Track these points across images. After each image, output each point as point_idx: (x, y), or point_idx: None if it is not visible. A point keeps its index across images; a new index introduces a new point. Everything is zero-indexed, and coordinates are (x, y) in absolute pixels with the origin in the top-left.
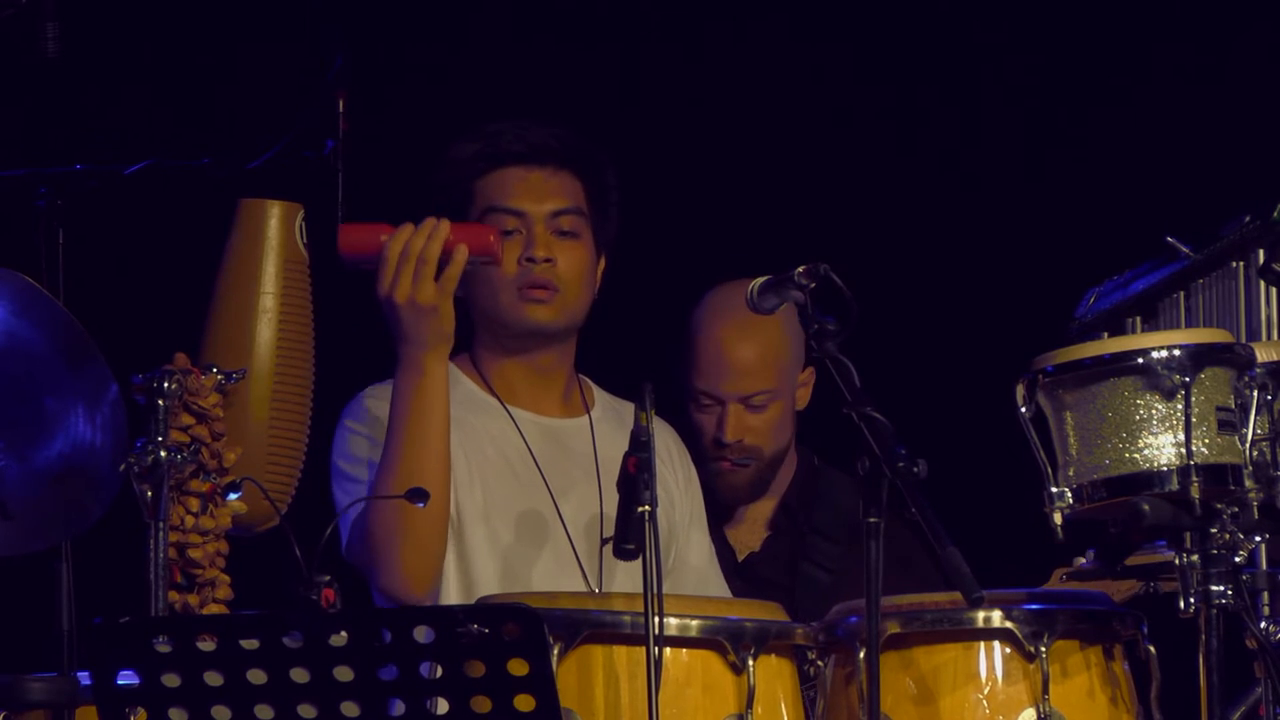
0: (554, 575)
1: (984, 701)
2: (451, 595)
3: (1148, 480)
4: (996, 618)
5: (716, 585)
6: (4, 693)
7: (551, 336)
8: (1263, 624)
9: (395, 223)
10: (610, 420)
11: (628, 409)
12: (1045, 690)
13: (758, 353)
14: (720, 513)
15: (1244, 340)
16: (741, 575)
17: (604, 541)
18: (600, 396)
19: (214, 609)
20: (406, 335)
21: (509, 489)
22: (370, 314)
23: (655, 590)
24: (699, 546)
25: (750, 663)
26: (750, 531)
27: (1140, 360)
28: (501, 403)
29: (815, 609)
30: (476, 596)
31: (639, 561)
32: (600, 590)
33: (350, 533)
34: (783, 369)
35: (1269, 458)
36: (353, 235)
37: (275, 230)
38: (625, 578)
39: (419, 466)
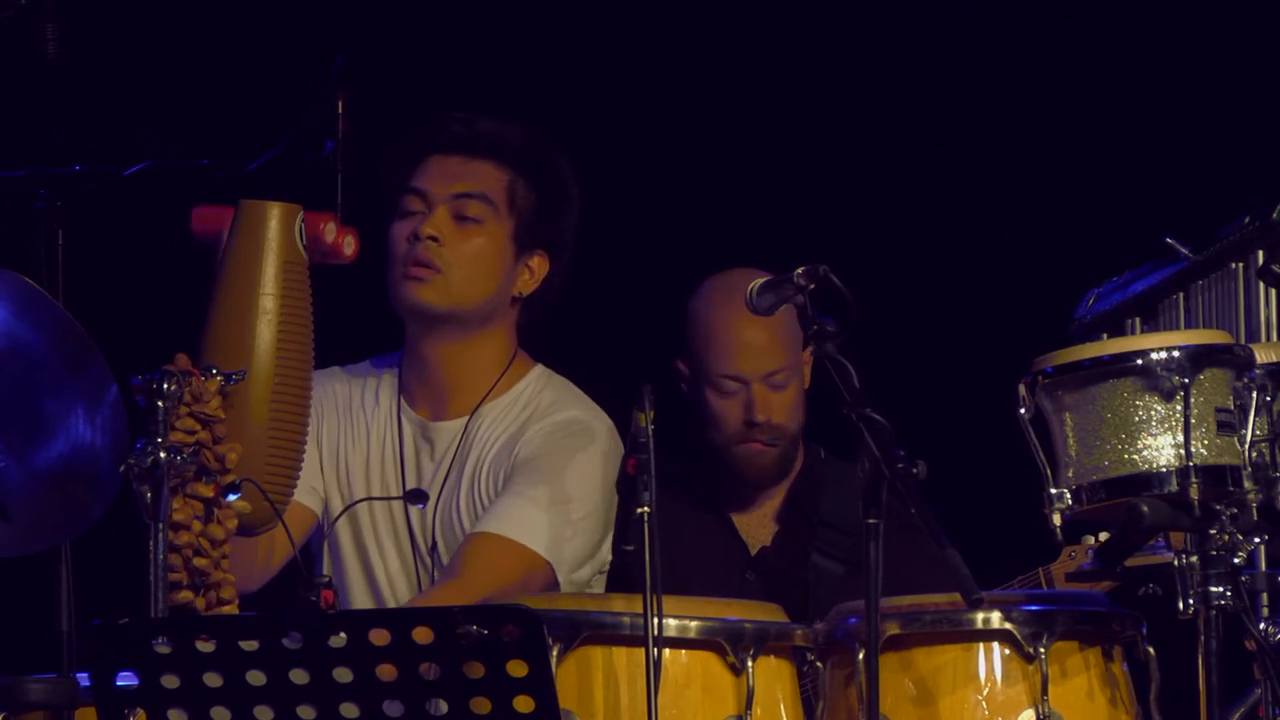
0: (403, 583)
1: (983, 703)
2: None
3: (1147, 481)
4: (996, 619)
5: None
6: (4, 694)
7: (437, 320)
8: (1262, 625)
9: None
10: (505, 416)
11: (557, 398)
12: (1044, 691)
13: (771, 330)
14: (742, 500)
15: (1243, 341)
16: (755, 568)
17: (430, 548)
18: (525, 386)
19: (230, 610)
20: None
21: (373, 492)
22: (369, 314)
23: (655, 591)
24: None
25: (749, 664)
26: (760, 525)
27: (1140, 361)
28: (400, 402)
29: (831, 600)
30: (347, 597)
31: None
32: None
33: None
34: (794, 345)
35: (1268, 459)
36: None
37: (275, 231)
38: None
39: None
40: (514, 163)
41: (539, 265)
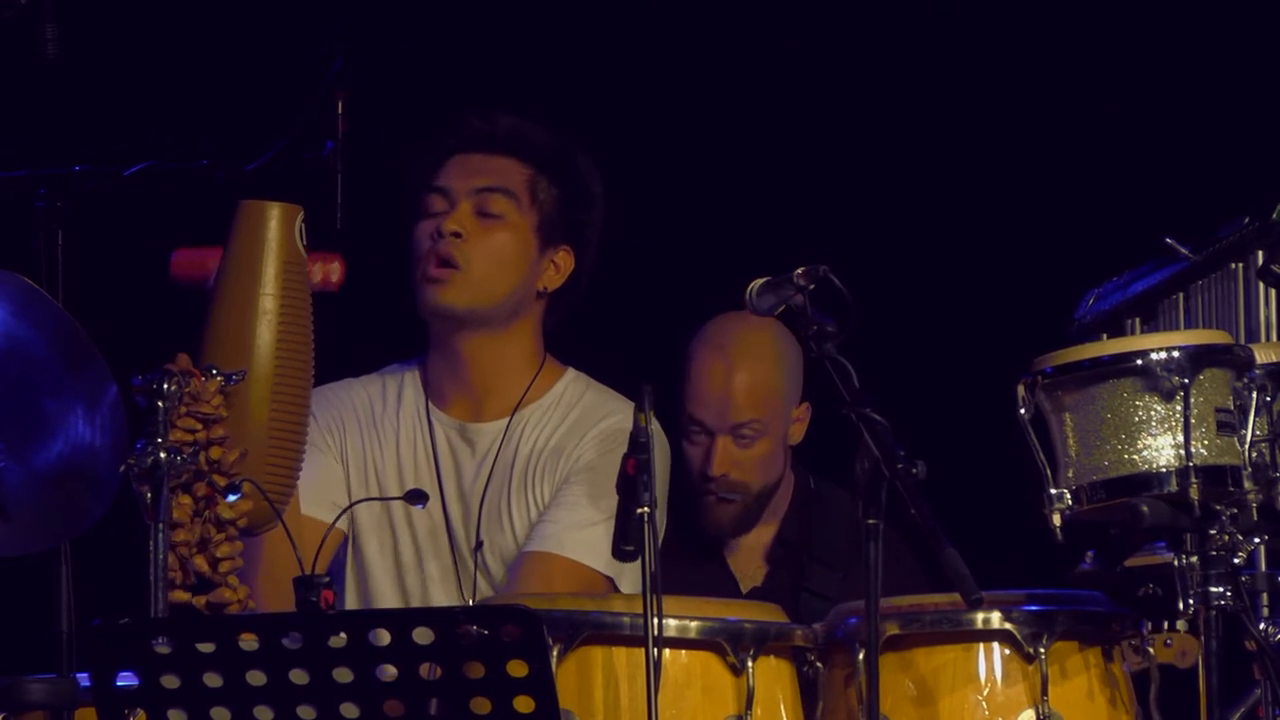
0: (439, 584)
1: (983, 703)
2: (351, 603)
3: (1146, 481)
4: (996, 619)
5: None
6: (3, 694)
7: (462, 321)
8: (1262, 625)
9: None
10: (549, 417)
11: (603, 401)
12: (1044, 691)
13: (749, 383)
14: (719, 541)
15: (1243, 341)
16: None
17: (475, 547)
18: (564, 388)
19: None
20: None
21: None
22: (369, 316)
23: (654, 591)
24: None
25: (750, 664)
26: (750, 561)
27: (1139, 362)
28: (428, 404)
29: None
30: (374, 602)
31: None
32: (474, 599)
33: None
34: (775, 402)
35: (1268, 459)
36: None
37: (275, 232)
38: (489, 588)
39: None
40: (535, 158)
41: (564, 260)
